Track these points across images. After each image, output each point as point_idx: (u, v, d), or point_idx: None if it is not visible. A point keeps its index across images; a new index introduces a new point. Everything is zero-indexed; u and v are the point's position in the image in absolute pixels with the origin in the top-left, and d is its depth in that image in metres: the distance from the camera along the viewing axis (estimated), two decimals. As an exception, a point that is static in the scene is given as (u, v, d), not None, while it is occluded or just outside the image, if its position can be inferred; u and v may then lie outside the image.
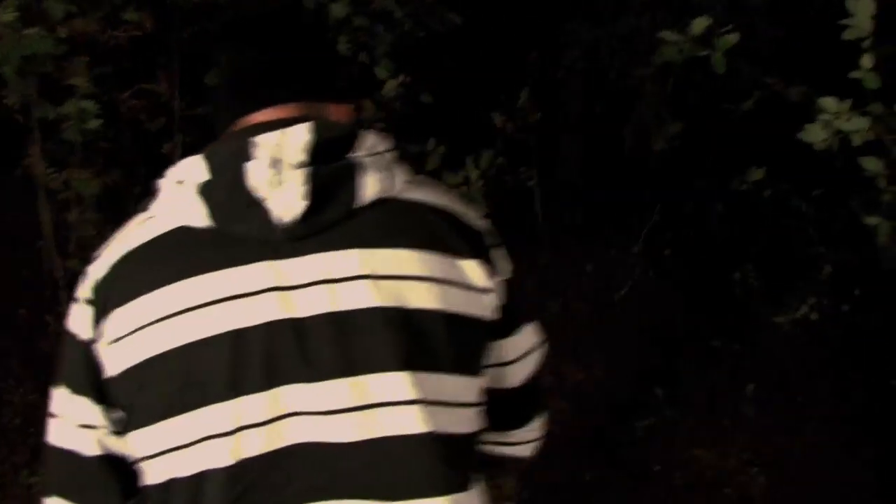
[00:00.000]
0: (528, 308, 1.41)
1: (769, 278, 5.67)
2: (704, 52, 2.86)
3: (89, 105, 3.54)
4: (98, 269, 1.20)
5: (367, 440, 1.13)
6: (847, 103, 2.65)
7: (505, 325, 1.31)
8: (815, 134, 2.71)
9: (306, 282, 1.14)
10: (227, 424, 1.11)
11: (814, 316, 5.00)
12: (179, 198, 1.16)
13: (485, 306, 1.26)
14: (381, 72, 4.30)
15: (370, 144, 1.22)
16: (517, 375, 1.38)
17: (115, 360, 1.15)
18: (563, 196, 8.28)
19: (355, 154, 1.19)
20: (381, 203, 1.19)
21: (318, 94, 1.28)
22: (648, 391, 4.81)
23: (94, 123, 3.57)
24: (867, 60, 2.57)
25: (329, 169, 1.16)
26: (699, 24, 2.76)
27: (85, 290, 1.20)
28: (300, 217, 1.13)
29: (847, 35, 2.58)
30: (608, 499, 4.02)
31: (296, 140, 1.15)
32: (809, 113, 2.74)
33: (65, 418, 1.22)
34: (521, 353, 1.37)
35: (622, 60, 6.00)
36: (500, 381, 1.36)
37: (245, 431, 1.11)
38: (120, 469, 1.21)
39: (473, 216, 1.31)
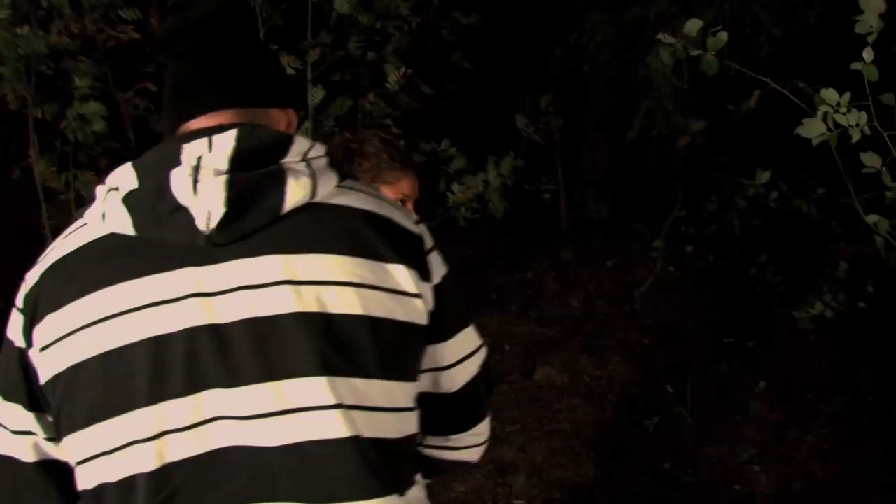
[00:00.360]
0: (465, 312, 1.37)
1: (787, 274, 5.67)
2: (697, 53, 2.77)
3: (95, 107, 3.57)
4: (32, 276, 1.20)
5: (290, 444, 1.13)
6: (847, 96, 2.61)
7: (440, 329, 1.29)
8: (813, 129, 2.67)
9: (227, 288, 1.14)
10: (150, 429, 1.12)
11: (829, 314, 4.99)
12: (109, 205, 1.17)
13: (414, 311, 1.24)
14: (389, 69, 4.35)
15: (302, 150, 1.22)
16: (455, 380, 1.35)
17: (45, 367, 1.16)
18: (588, 193, 8.31)
19: (285, 160, 1.19)
20: (307, 209, 1.18)
21: (255, 101, 1.29)
22: (660, 388, 4.86)
23: (99, 125, 3.61)
24: (868, 53, 2.55)
25: (252, 175, 1.16)
26: (692, 25, 2.73)
27: (19, 297, 1.21)
28: (221, 224, 1.13)
29: (858, 29, 2.55)
30: (617, 496, 4.07)
31: (221, 147, 1.17)
32: (807, 112, 2.71)
33: (1, 425, 1.22)
34: (458, 358, 1.34)
35: (632, 52, 6.00)
36: (438, 385, 1.34)
37: (169, 436, 1.12)
38: (58, 475, 1.21)
39: (407, 221, 1.28)
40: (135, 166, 1.19)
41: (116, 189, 1.18)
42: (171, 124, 1.28)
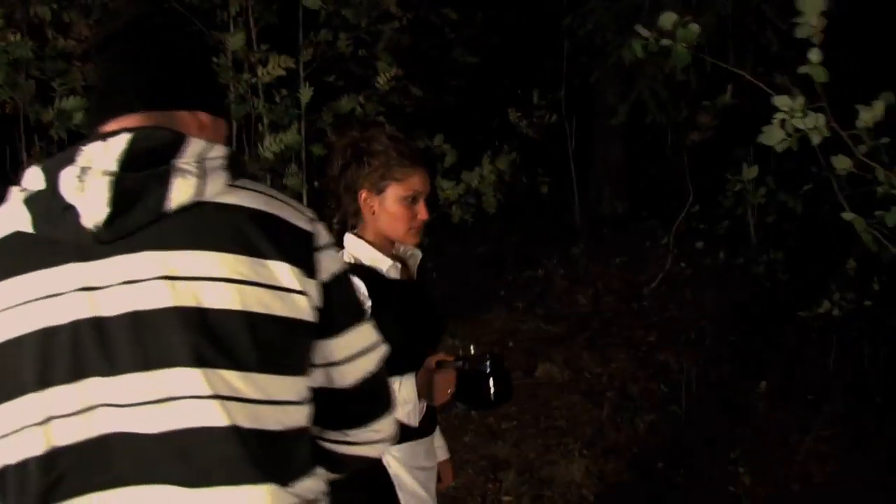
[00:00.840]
0: (360, 310, 1.41)
1: (797, 273, 5.60)
2: (668, 43, 2.72)
3: (75, 102, 3.60)
4: None
5: (170, 431, 1.19)
6: (801, 100, 2.57)
7: (329, 325, 1.33)
8: (773, 136, 2.66)
9: (111, 283, 1.20)
10: (38, 414, 1.18)
11: (836, 312, 4.92)
12: (14, 205, 1.24)
13: (297, 307, 1.28)
14: (381, 66, 4.37)
15: (197, 151, 1.27)
16: (348, 376, 1.38)
17: None
18: (603, 189, 8.27)
19: (176, 160, 1.24)
20: (194, 207, 1.23)
21: (161, 105, 1.34)
22: (659, 387, 4.82)
23: (79, 117, 3.66)
24: (815, 55, 2.49)
25: (141, 176, 1.21)
26: (667, 19, 2.69)
27: None
28: (106, 222, 1.19)
29: (798, 33, 2.50)
30: (606, 495, 4.05)
31: (113, 148, 1.23)
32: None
33: None
34: (350, 354, 1.37)
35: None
36: (331, 381, 1.37)
37: (55, 421, 1.18)
38: None
39: (298, 219, 1.31)
40: (42, 168, 1.25)
41: (24, 189, 1.25)
42: (91, 127, 1.34)
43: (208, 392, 1.20)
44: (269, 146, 3.71)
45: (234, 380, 1.22)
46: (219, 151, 1.30)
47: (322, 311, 1.30)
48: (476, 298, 6.53)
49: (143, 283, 1.20)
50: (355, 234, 2.23)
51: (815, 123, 2.60)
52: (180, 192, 1.22)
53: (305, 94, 3.89)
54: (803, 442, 4.37)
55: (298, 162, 4.37)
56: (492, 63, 6.06)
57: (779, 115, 2.62)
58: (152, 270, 1.20)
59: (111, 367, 1.19)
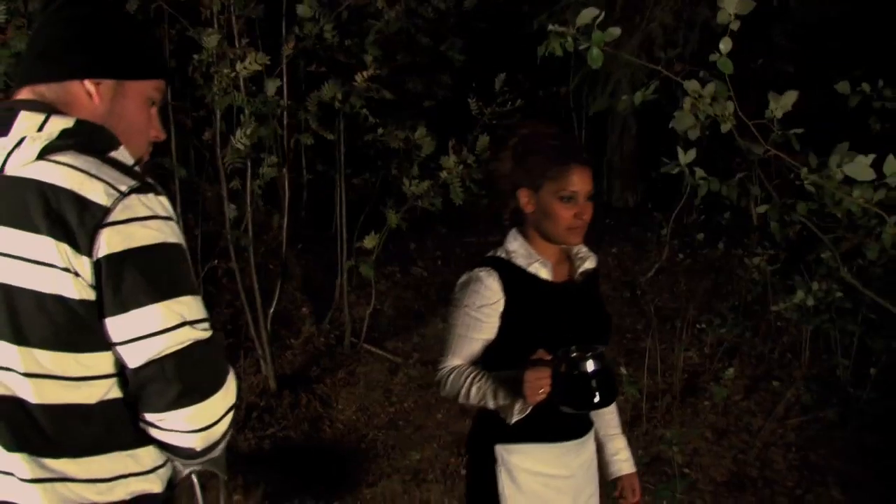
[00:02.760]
0: (151, 291, 1.33)
1: (786, 263, 5.65)
2: (585, 45, 2.70)
3: None
4: None
5: None
6: (711, 87, 2.64)
7: (109, 304, 1.32)
8: (683, 121, 2.75)
9: None
10: None
11: (810, 302, 4.98)
12: None
13: (62, 284, 1.31)
14: (368, 58, 4.59)
15: (25, 127, 1.38)
16: (134, 358, 1.34)
17: None
18: (615, 181, 8.38)
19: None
20: None
21: (46, 77, 1.44)
22: (632, 371, 4.95)
23: None
24: (725, 45, 2.54)
25: None
26: (585, 16, 2.64)
27: None
28: None
29: (719, 19, 2.53)
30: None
31: None
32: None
33: None
34: (133, 336, 1.33)
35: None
36: (122, 360, 1.35)
37: None
38: None
39: (98, 194, 1.32)
40: None
41: None
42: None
43: None
44: (240, 138, 3.96)
45: (14, 354, 1.34)
46: (58, 125, 1.38)
47: (99, 290, 1.31)
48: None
49: None
50: (518, 230, 2.22)
51: (722, 111, 2.71)
52: None
53: (271, 86, 4.13)
54: (765, 427, 4.48)
55: (281, 152, 4.62)
56: (484, 57, 6.22)
57: (688, 100, 2.72)
58: None
59: None
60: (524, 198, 2.17)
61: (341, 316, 5.71)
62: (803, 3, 5.94)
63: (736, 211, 6.56)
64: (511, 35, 6.94)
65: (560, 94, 7.39)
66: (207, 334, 1.37)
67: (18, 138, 1.37)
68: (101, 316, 1.33)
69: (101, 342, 1.34)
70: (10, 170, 1.35)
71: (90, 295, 1.32)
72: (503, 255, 2.19)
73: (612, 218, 8.03)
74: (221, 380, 1.40)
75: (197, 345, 1.35)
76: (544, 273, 2.17)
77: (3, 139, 1.37)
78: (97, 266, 1.31)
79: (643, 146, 8.25)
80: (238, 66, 4.19)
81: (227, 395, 1.40)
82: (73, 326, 1.33)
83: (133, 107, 1.50)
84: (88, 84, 1.44)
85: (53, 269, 1.31)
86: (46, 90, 1.44)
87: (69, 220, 1.30)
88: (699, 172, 3.23)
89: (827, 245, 3.17)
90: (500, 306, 2.13)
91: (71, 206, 1.30)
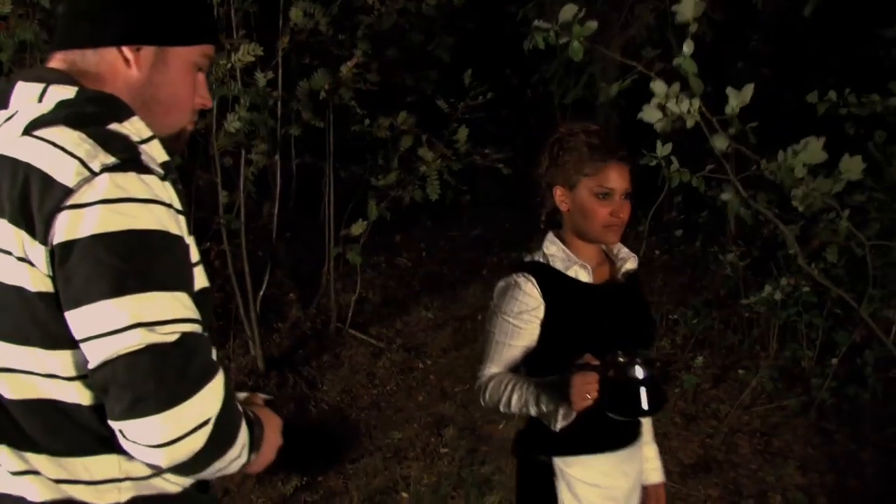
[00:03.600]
0: (106, 287, 1.16)
1: (759, 260, 5.84)
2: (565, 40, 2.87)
3: None
4: None
5: None
6: (676, 86, 2.78)
7: (63, 297, 1.18)
8: (651, 114, 2.86)
9: None
10: None
11: (778, 296, 5.18)
12: None
13: (16, 274, 1.21)
14: (358, 52, 4.78)
15: (20, 98, 1.30)
16: (91, 358, 1.18)
17: None
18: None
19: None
20: None
21: (75, 43, 1.35)
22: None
23: None
24: (688, 47, 2.70)
25: None
26: (567, 12, 2.82)
27: None
28: None
29: (678, 19, 2.68)
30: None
31: None
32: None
33: None
34: (87, 335, 1.17)
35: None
36: (86, 358, 1.20)
37: None
38: None
39: (65, 173, 1.18)
40: None
41: None
42: None
43: None
44: (232, 122, 4.14)
45: None
46: (56, 96, 1.27)
47: (56, 281, 1.18)
48: (459, 276, 6.91)
49: None
50: (554, 233, 2.18)
51: (687, 108, 2.89)
52: None
53: (261, 78, 4.31)
54: (731, 413, 4.67)
55: (273, 140, 4.79)
56: (471, 54, 6.39)
57: (655, 99, 2.90)
58: None
59: None
60: (560, 196, 2.13)
61: (328, 302, 5.89)
62: (776, 8, 6.15)
63: (713, 210, 6.77)
64: (497, 33, 7.11)
65: (534, 85, 7.54)
66: (171, 338, 1.17)
67: (13, 111, 1.28)
68: (62, 310, 1.19)
69: (55, 338, 1.22)
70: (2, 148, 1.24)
71: (49, 287, 1.19)
72: (541, 260, 2.15)
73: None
74: (187, 389, 1.17)
75: (151, 349, 1.15)
76: (584, 276, 2.13)
77: (5, 112, 1.30)
78: (52, 255, 1.17)
79: (625, 140, 8.44)
80: (233, 58, 4.36)
81: (197, 406, 1.18)
82: (36, 321, 1.21)
83: (176, 74, 1.38)
84: (127, 51, 1.34)
85: (11, 258, 1.20)
86: (80, 57, 1.34)
87: (32, 203, 1.18)
88: (674, 164, 3.40)
89: (787, 236, 3.35)
90: (540, 312, 2.10)
91: (37, 187, 1.18)
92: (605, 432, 2.09)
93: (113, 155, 1.19)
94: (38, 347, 1.22)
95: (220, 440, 1.22)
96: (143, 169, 1.21)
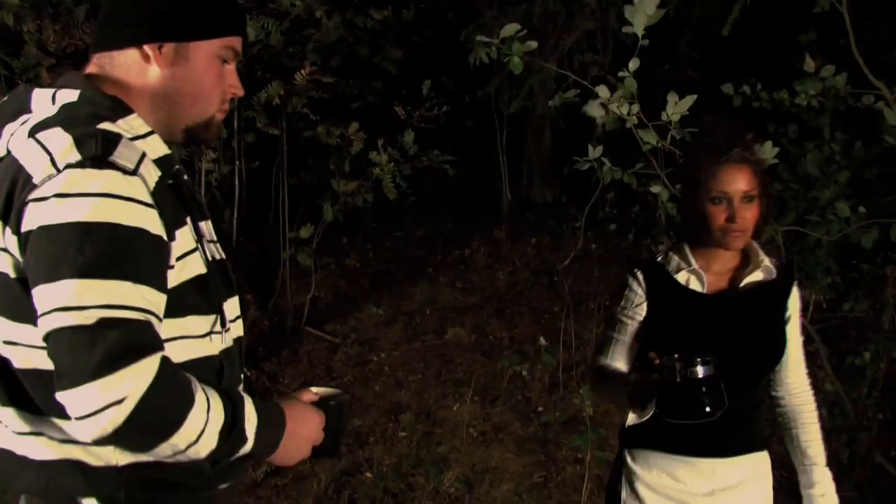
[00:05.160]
0: (56, 269, 1.27)
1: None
2: (508, 55, 3.16)
3: None
4: None
5: None
6: (619, 93, 3.07)
7: (28, 278, 1.33)
8: (593, 110, 3.17)
9: None
10: None
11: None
12: None
13: (4, 263, 1.37)
14: (307, 63, 5.06)
15: (37, 104, 1.42)
16: (41, 332, 1.31)
17: None
18: (534, 178, 8.98)
19: (22, 117, 1.41)
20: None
21: (101, 46, 1.46)
22: (550, 346, 5.51)
23: None
24: (634, 63, 3.00)
25: None
26: (509, 30, 3.09)
27: None
28: None
29: (627, 28, 2.93)
30: (487, 431, 4.73)
31: None
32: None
33: None
34: (38, 313, 1.30)
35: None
36: None
37: None
38: None
39: (38, 167, 1.31)
40: None
41: None
42: None
43: None
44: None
45: None
46: (62, 100, 1.40)
47: (26, 264, 1.33)
48: (406, 274, 7.23)
49: None
50: (683, 238, 2.11)
51: (626, 111, 3.20)
52: None
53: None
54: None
55: (230, 149, 5.03)
56: (419, 61, 6.72)
57: (597, 100, 3.21)
58: None
59: None
60: (686, 199, 2.07)
61: (284, 302, 6.15)
62: (702, 17, 6.62)
63: (644, 205, 7.21)
64: (439, 45, 7.45)
65: (477, 97, 7.94)
66: (90, 320, 1.25)
67: (29, 115, 1.41)
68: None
69: (26, 314, 1.36)
70: (11, 147, 1.38)
71: (23, 272, 1.35)
72: (660, 259, 2.12)
73: (532, 212, 8.64)
74: (100, 368, 1.24)
75: (71, 329, 1.25)
76: (695, 283, 2.05)
77: (25, 116, 1.42)
78: (20, 242, 1.33)
79: (560, 145, 8.85)
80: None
81: (112, 384, 1.24)
82: (20, 301, 1.35)
83: (199, 68, 1.45)
84: (148, 49, 1.42)
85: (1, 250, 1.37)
86: (108, 60, 1.44)
87: (14, 198, 1.33)
88: (606, 164, 3.74)
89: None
90: (643, 310, 2.08)
91: (21, 183, 1.32)
92: (676, 433, 1.99)
93: (81, 154, 1.29)
94: (29, 324, 1.34)
95: (149, 422, 1.27)
96: (105, 165, 1.29)
